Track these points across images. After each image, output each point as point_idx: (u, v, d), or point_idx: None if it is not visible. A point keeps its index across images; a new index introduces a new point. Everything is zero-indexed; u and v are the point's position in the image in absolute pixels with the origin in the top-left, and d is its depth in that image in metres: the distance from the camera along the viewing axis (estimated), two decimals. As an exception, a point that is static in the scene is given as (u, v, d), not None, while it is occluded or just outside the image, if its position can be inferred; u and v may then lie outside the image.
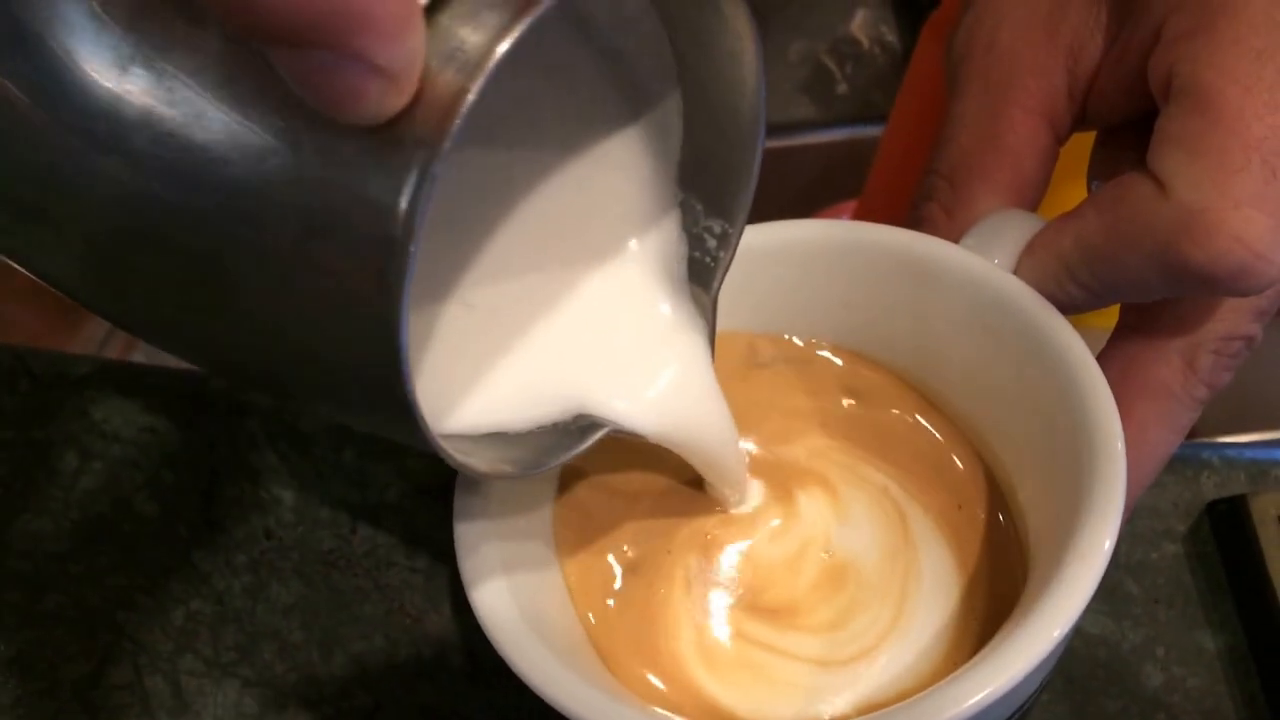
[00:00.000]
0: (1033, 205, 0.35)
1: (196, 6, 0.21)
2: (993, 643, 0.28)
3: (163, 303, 0.26)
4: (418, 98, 0.20)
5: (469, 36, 0.21)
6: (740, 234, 0.32)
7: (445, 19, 0.21)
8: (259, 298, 0.23)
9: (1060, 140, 0.35)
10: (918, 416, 0.37)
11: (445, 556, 0.44)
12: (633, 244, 0.32)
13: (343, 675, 0.42)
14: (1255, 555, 0.47)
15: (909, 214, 0.37)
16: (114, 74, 0.22)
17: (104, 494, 0.44)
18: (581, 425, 0.31)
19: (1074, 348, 0.32)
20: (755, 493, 0.36)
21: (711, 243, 0.32)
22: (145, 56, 0.22)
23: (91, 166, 0.23)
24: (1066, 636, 0.27)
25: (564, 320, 0.31)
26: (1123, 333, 0.34)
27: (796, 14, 0.62)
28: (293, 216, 0.22)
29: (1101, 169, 0.37)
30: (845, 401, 0.37)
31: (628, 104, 0.31)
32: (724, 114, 0.30)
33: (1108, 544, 0.28)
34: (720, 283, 0.33)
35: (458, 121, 0.20)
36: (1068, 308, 0.33)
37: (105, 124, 0.22)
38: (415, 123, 0.20)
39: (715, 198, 0.32)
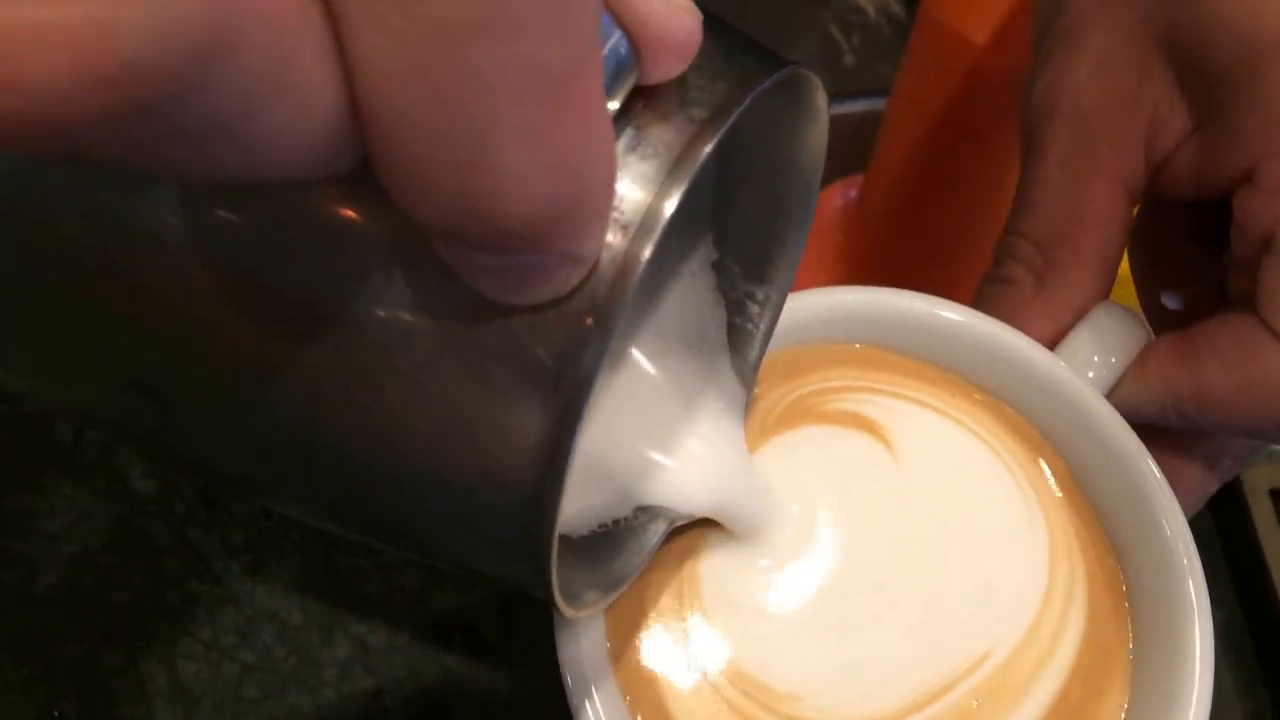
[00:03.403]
0: (1114, 275, 0.35)
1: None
2: None
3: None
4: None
5: (628, 193, 0.19)
6: (783, 300, 0.30)
7: None
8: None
9: (1132, 211, 0.36)
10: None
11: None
12: (668, 317, 0.30)
13: (344, 658, 0.42)
14: (1248, 529, 0.47)
15: (990, 269, 0.36)
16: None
17: (99, 470, 0.43)
18: (640, 520, 0.30)
19: (1162, 499, 0.32)
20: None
21: (754, 309, 0.31)
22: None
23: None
24: None
25: (616, 410, 0.29)
26: (1154, 430, 0.34)
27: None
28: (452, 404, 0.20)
29: (1146, 240, 0.38)
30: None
31: None
32: (776, 179, 0.28)
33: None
34: (762, 351, 0.31)
35: (632, 285, 0.19)
36: (1155, 426, 0.34)
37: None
38: (588, 292, 0.19)
39: (755, 261, 0.30)
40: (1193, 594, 0.30)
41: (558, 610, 0.24)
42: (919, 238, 0.52)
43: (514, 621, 0.43)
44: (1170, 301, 0.37)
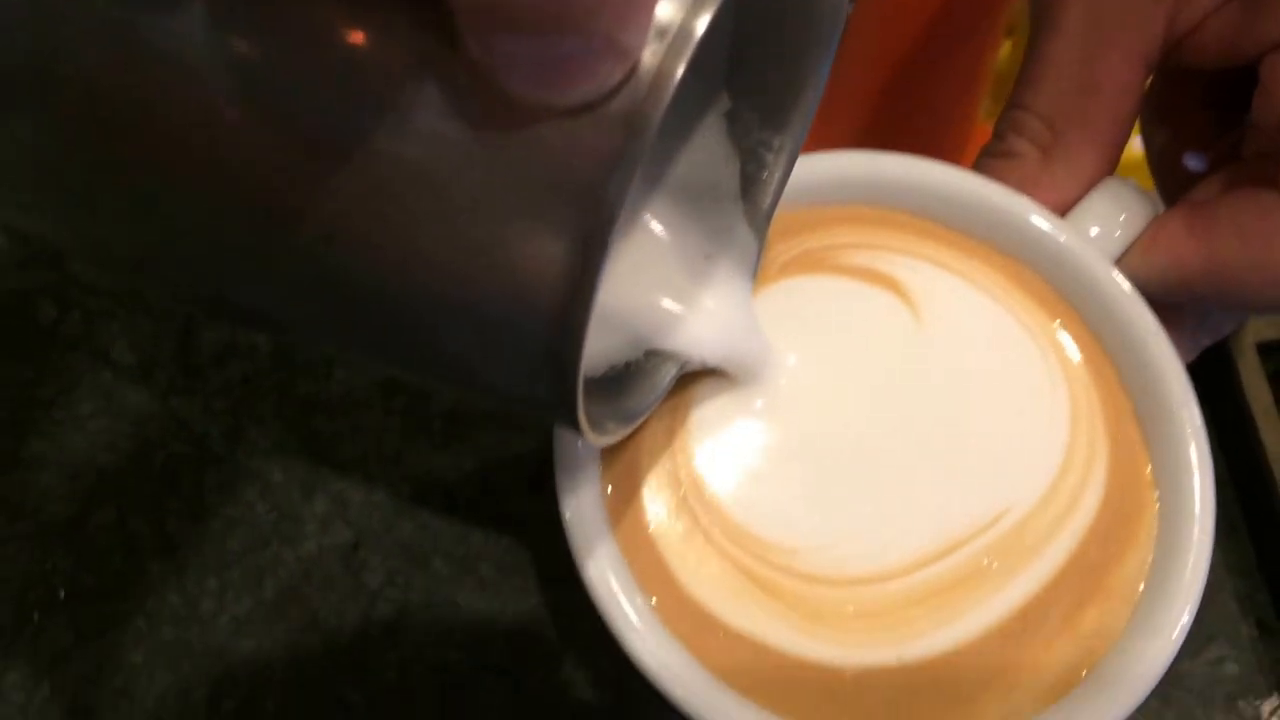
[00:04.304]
0: (1122, 150, 0.35)
1: None
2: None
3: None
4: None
5: (663, 10, 0.18)
6: (798, 148, 0.30)
7: None
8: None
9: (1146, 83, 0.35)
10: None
11: (420, 398, 0.45)
12: (681, 167, 0.30)
13: (323, 513, 0.43)
14: (1234, 384, 0.46)
15: (990, 144, 0.36)
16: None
17: (82, 343, 0.45)
18: (652, 363, 0.30)
19: (1171, 371, 0.32)
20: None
21: (768, 157, 0.30)
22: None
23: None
24: None
25: (628, 256, 0.29)
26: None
27: None
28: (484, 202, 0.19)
29: (1159, 109, 0.37)
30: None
31: None
32: (797, 22, 0.27)
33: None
34: (775, 201, 0.30)
35: (671, 92, 0.18)
36: (1158, 302, 0.33)
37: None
38: (626, 98, 0.18)
39: (770, 108, 0.29)
40: (1194, 457, 0.31)
41: (581, 434, 0.23)
42: (892, 112, 0.52)
43: (489, 482, 0.44)
44: (1193, 162, 0.37)
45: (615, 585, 0.30)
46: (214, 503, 0.43)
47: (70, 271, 0.46)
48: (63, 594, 0.41)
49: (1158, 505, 0.31)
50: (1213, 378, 0.46)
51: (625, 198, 0.18)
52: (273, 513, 0.43)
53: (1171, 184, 0.37)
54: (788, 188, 0.31)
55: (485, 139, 0.19)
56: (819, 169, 0.34)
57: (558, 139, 0.18)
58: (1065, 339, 0.33)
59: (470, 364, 0.22)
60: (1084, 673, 0.29)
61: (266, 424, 0.44)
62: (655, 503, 0.31)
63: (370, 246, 0.20)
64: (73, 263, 0.46)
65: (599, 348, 0.28)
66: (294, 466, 0.43)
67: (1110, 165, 0.35)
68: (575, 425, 0.22)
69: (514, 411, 0.25)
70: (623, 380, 0.29)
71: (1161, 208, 0.35)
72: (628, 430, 0.27)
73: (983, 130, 0.50)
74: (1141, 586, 0.30)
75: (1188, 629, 0.29)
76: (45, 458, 0.43)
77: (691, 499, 0.31)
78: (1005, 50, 0.51)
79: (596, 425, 0.25)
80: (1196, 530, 0.30)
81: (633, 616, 0.29)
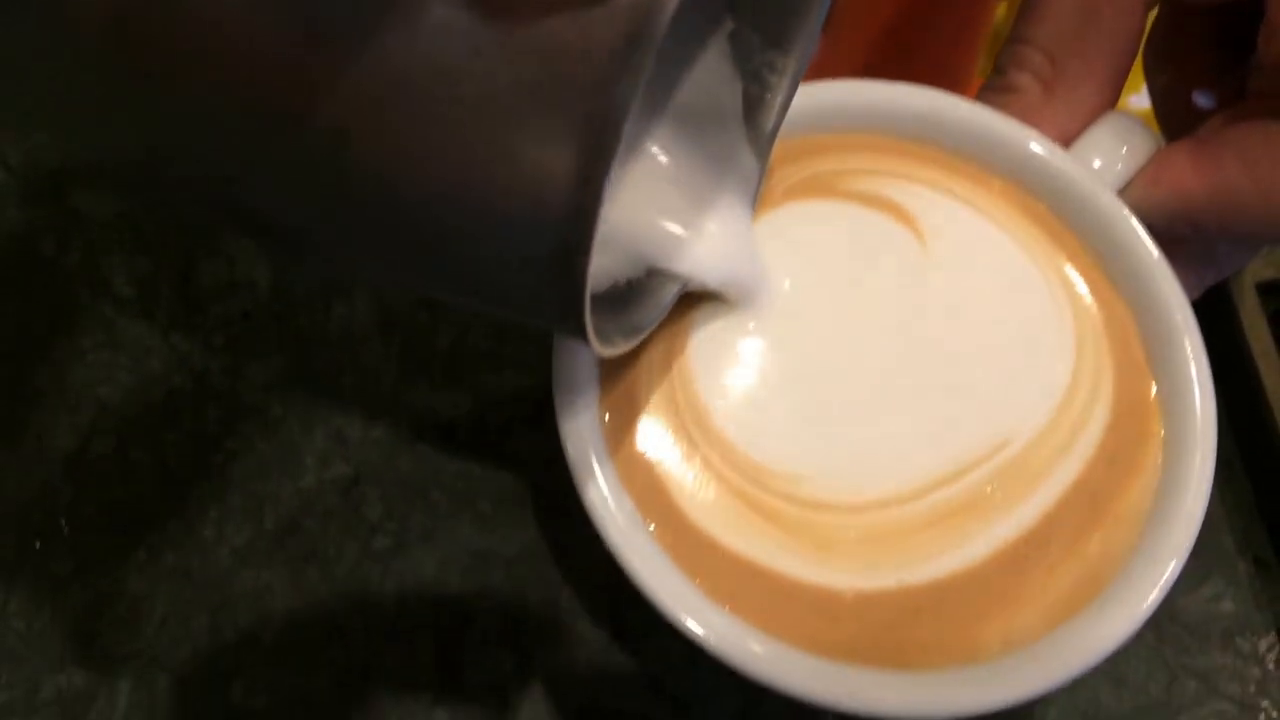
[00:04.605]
0: (1122, 86, 0.35)
1: None
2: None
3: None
4: None
5: None
6: (801, 69, 0.29)
7: None
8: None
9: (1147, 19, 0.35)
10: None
11: (420, 333, 0.45)
12: (683, 89, 0.30)
13: (322, 447, 0.43)
14: (1234, 324, 0.46)
15: (991, 78, 0.35)
16: None
17: (83, 277, 0.45)
18: (655, 281, 0.30)
19: (1173, 296, 0.32)
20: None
21: (771, 78, 0.30)
22: None
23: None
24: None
25: (630, 175, 0.29)
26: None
27: None
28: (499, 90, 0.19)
29: (1162, 45, 0.37)
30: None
31: None
32: None
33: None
34: (778, 123, 0.30)
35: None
36: (1162, 236, 0.33)
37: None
38: None
39: (774, 29, 0.29)
40: (1195, 376, 0.31)
41: (587, 340, 0.23)
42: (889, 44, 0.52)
43: (487, 419, 0.44)
44: (1201, 100, 0.36)
45: (614, 508, 0.30)
46: (214, 436, 0.43)
47: (71, 205, 0.46)
48: (64, 523, 0.41)
49: (1163, 432, 0.31)
50: (1213, 318, 0.46)
51: (638, 88, 0.18)
52: (272, 447, 0.43)
53: (1175, 124, 0.37)
54: (797, 115, 0.31)
55: (498, 31, 0.19)
56: (829, 96, 0.34)
57: (571, 31, 0.18)
58: (1070, 268, 0.33)
59: (481, 264, 0.22)
60: (1087, 598, 0.29)
61: (266, 359, 0.44)
62: (653, 428, 0.31)
63: (384, 143, 0.20)
64: (75, 194, 0.46)
65: (602, 264, 0.28)
66: (293, 401, 0.43)
67: (1111, 100, 0.35)
68: (582, 329, 0.22)
69: (520, 321, 0.25)
70: (626, 297, 0.29)
71: (1163, 143, 0.34)
72: (631, 343, 0.27)
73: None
74: (1148, 511, 0.30)
75: (1189, 551, 0.29)
76: (45, 390, 0.43)
77: (690, 424, 0.31)
78: (1001, 11, 0.50)
79: (601, 336, 0.25)
80: (1198, 456, 0.30)
81: (631, 538, 0.29)
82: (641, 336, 0.28)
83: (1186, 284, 0.34)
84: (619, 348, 0.26)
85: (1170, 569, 0.29)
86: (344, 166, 0.20)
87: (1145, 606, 0.29)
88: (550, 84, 0.19)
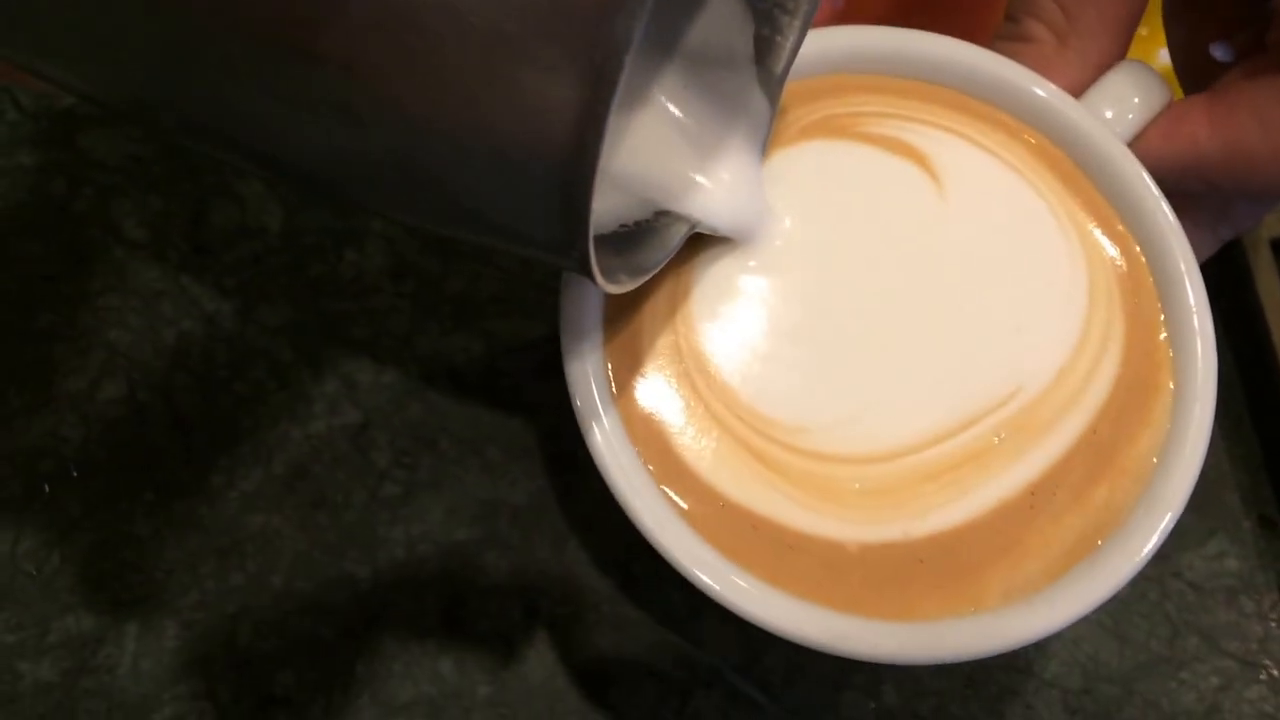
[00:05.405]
0: (1132, 36, 0.35)
1: None
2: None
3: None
4: None
5: None
6: (814, 10, 0.29)
7: None
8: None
9: None
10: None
11: (430, 280, 0.45)
12: (693, 30, 0.30)
13: (332, 393, 0.43)
14: (1247, 280, 0.46)
15: (1005, 27, 0.35)
16: None
17: (93, 219, 0.45)
18: (662, 223, 0.30)
19: (1179, 253, 0.32)
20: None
21: (783, 19, 0.30)
22: None
23: None
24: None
25: (638, 114, 0.29)
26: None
27: None
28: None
29: (1182, 6, 0.37)
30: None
31: None
32: None
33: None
34: (789, 65, 0.30)
35: None
36: (1177, 193, 0.33)
37: None
38: None
39: None
40: (1197, 326, 0.31)
41: (593, 278, 0.23)
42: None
43: (497, 367, 0.44)
44: (1219, 52, 0.36)
45: (619, 456, 0.30)
46: (224, 380, 0.43)
47: (82, 147, 0.46)
48: (73, 467, 0.41)
49: (1172, 385, 0.31)
50: (1226, 273, 0.46)
51: (642, 18, 0.18)
52: (282, 391, 0.43)
53: (1194, 77, 0.37)
54: (813, 59, 0.31)
55: None
56: (845, 41, 0.34)
57: None
58: (1087, 218, 0.33)
59: (488, 197, 0.22)
60: (1090, 548, 0.29)
61: (276, 304, 0.44)
62: (656, 375, 0.31)
63: (389, 76, 0.20)
64: (86, 136, 0.46)
65: (611, 205, 0.28)
66: (303, 346, 0.44)
67: (1123, 49, 0.34)
68: (586, 262, 0.22)
69: (529, 256, 0.25)
70: (634, 237, 0.29)
71: (1174, 94, 0.34)
72: (637, 282, 0.27)
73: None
74: (1155, 463, 0.30)
75: (1185, 502, 0.29)
76: (55, 332, 0.43)
77: (693, 371, 0.31)
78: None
79: (608, 274, 0.25)
80: (1198, 406, 0.30)
81: (636, 488, 0.30)
82: (648, 276, 0.28)
83: (1202, 240, 0.34)
84: (624, 286, 0.26)
85: (1166, 520, 0.29)
86: (353, 101, 0.20)
87: (1141, 557, 0.29)
88: (553, 14, 0.19)
